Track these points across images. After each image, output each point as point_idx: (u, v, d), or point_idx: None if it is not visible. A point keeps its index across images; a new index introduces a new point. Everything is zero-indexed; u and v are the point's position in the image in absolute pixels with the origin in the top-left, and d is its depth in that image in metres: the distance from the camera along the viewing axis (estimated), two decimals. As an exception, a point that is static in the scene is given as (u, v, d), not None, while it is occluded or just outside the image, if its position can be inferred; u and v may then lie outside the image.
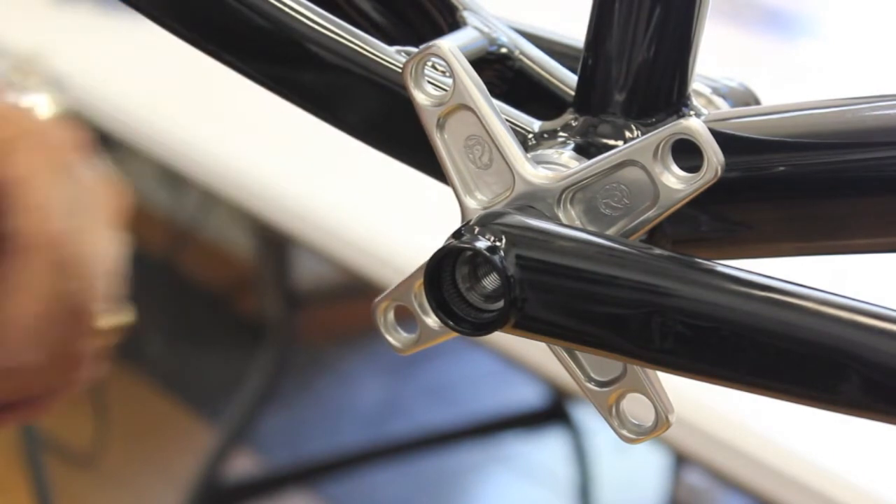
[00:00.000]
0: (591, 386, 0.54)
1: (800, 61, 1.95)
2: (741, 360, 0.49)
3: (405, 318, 0.56)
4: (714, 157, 0.50)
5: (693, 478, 2.18)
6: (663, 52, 0.55)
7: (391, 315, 0.56)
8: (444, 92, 0.54)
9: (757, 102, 0.63)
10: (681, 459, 2.07)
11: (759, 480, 1.16)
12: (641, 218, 0.52)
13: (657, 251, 0.51)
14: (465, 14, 0.63)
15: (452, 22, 0.63)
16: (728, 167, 0.52)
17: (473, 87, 0.53)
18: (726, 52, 1.65)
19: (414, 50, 0.56)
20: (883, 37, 2.08)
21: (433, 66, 0.55)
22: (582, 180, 0.53)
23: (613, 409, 0.54)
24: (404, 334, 0.56)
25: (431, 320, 0.55)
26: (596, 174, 0.52)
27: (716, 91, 0.61)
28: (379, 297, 0.56)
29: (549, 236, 0.52)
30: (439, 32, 0.62)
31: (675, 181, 0.51)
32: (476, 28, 0.62)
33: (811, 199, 0.54)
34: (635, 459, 2.59)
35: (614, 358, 0.53)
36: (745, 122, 0.55)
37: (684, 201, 0.51)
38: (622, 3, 0.55)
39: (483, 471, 2.67)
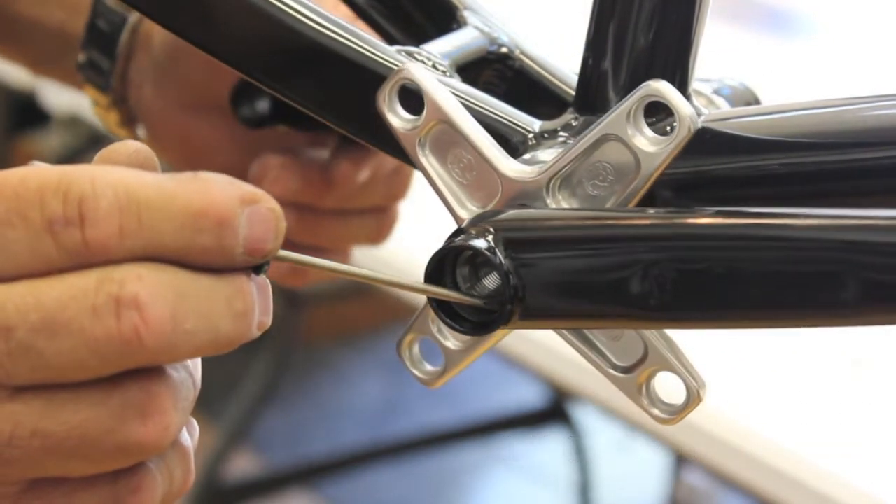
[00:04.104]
0: (615, 373, 0.54)
1: (800, 61, 1.95)
2: (739, 292, 0.49)
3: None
4: (685, 113, 0.50)
5: (693, 478, 2.18)
6: (663, 51, 0.55)
7: (416, 349, 0.56)
8: (418, 116, 0.54)
9: (757, 102, 0.63)
10: (681, 459, 2.06)
11: (759, 480, 1.16)
12: (629, 190, 0.52)
13: (632, 210, 0.51)
14: (466, 14, 0.63)
15: (453, 21, 0.63)
16: (728, 166, 0.52)
17: (446, 101, 0.53)
18: (726, 52, 1.65)
19: (415, 49, 0.57)
20: (882, 37, 2.08)
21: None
22: (564, 166, 0.53)
23: (643, 392, 0.53)
24: (430, 367, 0.56)
25: (452, 343, 0.55)
26: (576, 157, 0.52)
27: (716, 91, 0.61)
28: (401, 334, 0.56)
29: (536, 221, 0.52)
30: (440, 32, 0.62)
31: (651, 144, 0.51)
32: (476, 28, 0.62)
33: (811, 198, 0.54)
34: (635, 459, 2.59)
35: (622, 326, 0.52)
36: (745, 122, 0.55)
37: (665, 164, 0.51)
38: (622, 3, 0.55)
39: (483, 471, 2.67)
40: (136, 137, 0.79)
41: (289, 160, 0.73)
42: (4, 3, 0.77)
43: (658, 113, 0.52)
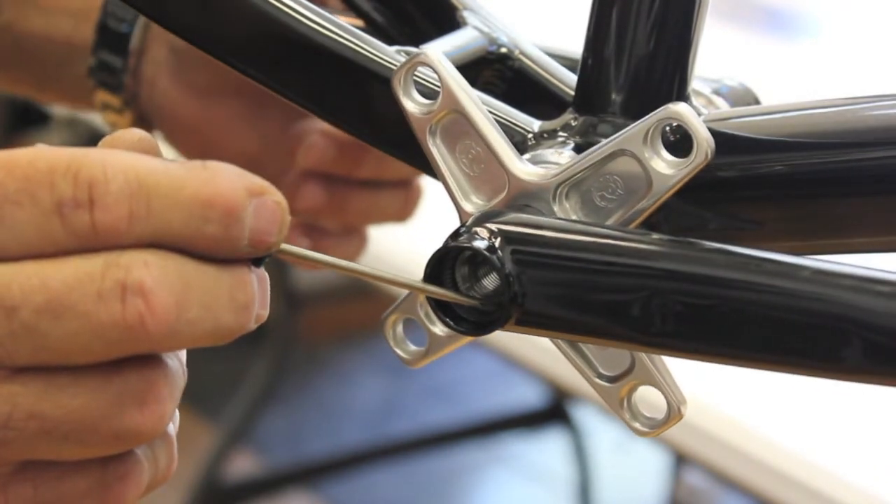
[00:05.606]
0: (600, 382, 0.54)
1: (800, 61, 1.95)
2: (742, 334, 0.49)
3: (412, 329, 0.56)
4: (703, 138, 0.50)
5: (693, 478, 2.18)
6: (663, 51, 0.55)
7: (399, 328, 0.56)
8: (433, 99, 0.54)
9: (757, 102, 0.63)
10: (681, 459, 2.07)
11: (759, 480, 1.16)
12: (637, 207, 0.52)
13: (647, 234, 0.51)
14: (465, 14, 0.63)
15: (452, 21, 0.63)
16: (728, 166, 0.52)
17: (462, 91, 0.53)
18: (726, 52, 1.65)
19: (414, 50, 0.56)
20: (882, 37, 2.08)
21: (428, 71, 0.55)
22: (575, 174, 0.53)
23: (625, 403, 0.53)
24: (413, 347, 0.56)
25: (439, 329, 0.55)
26: (588, 167, 0.52)
27: (716, 91, 0.61)
28: (386, 312, 0.55)
29: (543, 230, 0.51)
30: (440, 32, 0.62)
31: (666, 167, 0.51)
32: (476, 28, 0.62)
33: (810, 198, 0.54)
34: (635, 459, 2.59)
35: (619, 346, 0.52)
36: (745, 122, 0.55)
37: (677, 186, 0.51)
38: (622, 3, 0.55)
39: (483, 471, 2.67)
40: None
41: (327, 127, 0.74)
42: (9, 23, 0.78)
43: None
